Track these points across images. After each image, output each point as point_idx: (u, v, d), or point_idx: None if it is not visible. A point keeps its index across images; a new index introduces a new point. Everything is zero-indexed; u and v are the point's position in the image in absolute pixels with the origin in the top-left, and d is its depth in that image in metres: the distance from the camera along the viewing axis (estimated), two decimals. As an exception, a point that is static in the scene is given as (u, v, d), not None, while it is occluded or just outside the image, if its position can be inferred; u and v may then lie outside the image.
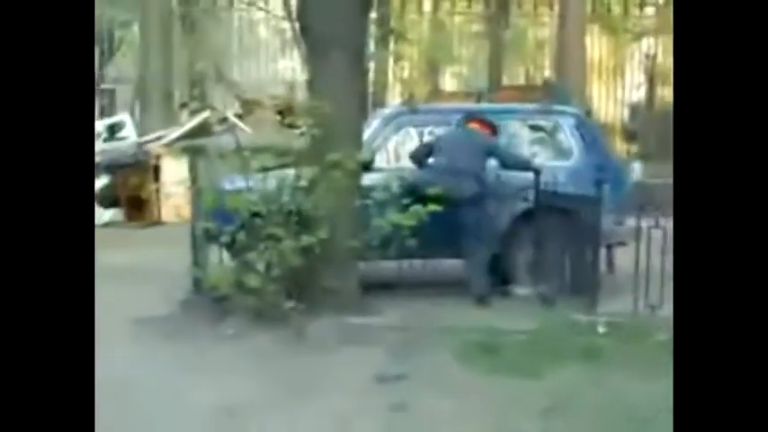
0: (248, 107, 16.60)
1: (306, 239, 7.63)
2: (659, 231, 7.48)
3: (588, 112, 10.62)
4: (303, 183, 7.93)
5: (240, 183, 8.15)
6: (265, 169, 8.22)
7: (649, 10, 21.15)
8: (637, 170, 17.17)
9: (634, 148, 21.46)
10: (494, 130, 9.02)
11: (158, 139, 15.58)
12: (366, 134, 8.90)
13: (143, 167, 14.84)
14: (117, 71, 24.18)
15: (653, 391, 5.81)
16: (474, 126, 8.96)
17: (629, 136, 22.50)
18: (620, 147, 20.65)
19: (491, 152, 8.77)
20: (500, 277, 9.15)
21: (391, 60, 22.03)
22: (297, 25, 8.47)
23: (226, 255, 8.24)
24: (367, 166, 8.48)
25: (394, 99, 20.84)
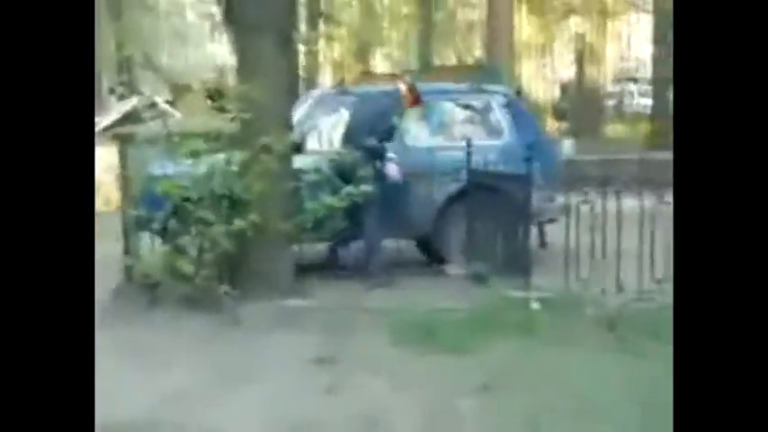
0: (178, 92, 16.44)
1: (237, 223, 7.59)
2: (587, 207, 7.56)
3: (519, 92, 10.72)
4: (234, 167, 7.87)
5: (170, 168, 8.07)
6: (196, 154, 8.14)
7: (577, -11, 21.34)
8: (567, 147, 17.43)
9: (564, 126, 21.70)
10: (416, 99, 9.01)
11: (87, 126, 15.33)
12: (297, 116, 8.87)
13: (71, 155, 14.59)
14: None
15: (586, 365, 5.90)
16: (403, 90, 8.98)
17: (560, 114, 22.74)
18: (550, 125, 20.87)
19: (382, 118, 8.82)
20: (434, 256, 9.23)
21: (322, 42, 21.95)
22: (223, 8, 8.36)
23: (157, 242, 8.17)
24: (298, 149, 8.46)
25: (325, 81, 20.78)
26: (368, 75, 21.00)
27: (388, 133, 8.80)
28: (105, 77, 19.16)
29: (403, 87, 9.03)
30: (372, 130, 8.61)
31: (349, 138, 8.69)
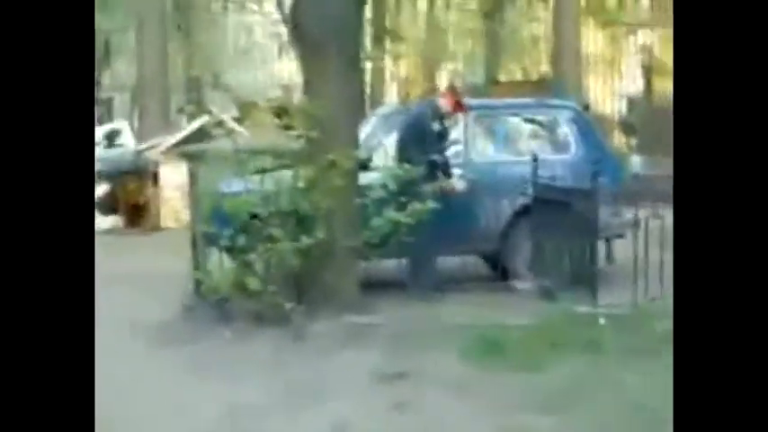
0: (245, 110, 16.63)
1: (304, 240, 7.63)
2: (657, 222, 7.48)
3: (586, 107, 10.67)
4: (301, 184, 7.93)
5: (238, 186, 8.15)
6: (263, 171, 8.22)
7: (645, 2, 21.12)
8: (635, 163, 17.24)
9: (632, 141, 21.47)
10: (458, 105, 8.97)
11: (156, 145, 15.59)
12: (363, 133, 8.91)
13: (142, 174, 14.86)
14: (113, 79, 24.18)
15: (654, 382, 5.82)
16: (443, 99, 8.96)
17: (627, 129, 22.49)
18: (618, 140, 20.66)
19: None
20: (501, 272, 9.19)
21: (388, 59, 22.04)
22: (291, 27, 8.45)
23: (226, 258, 8.25)
24: (365, 166, 8.50)
25: (391, 98, 20.85)
26: (434, 91, 21.03)
27: (440, 144, 8.78)
28: (174, 97, 19.44)
29: (442, 97, 9.02)
30: (422, 143, 8.60)
31: (401, 154, 8.69)
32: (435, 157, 8.64)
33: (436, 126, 8.80)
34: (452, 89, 9.06)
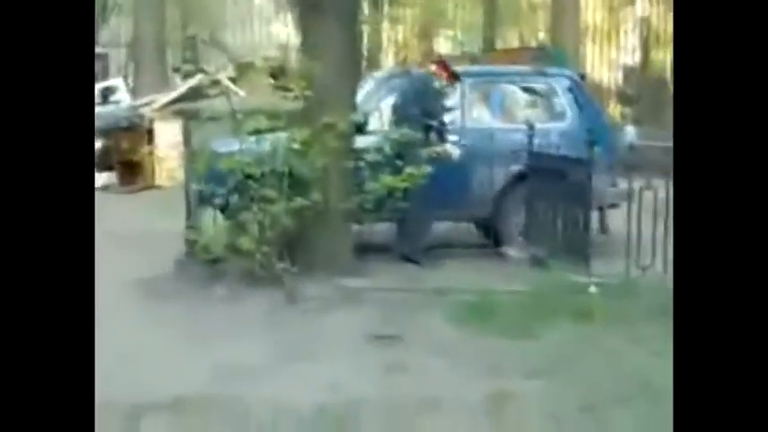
0: (241, 70, 16.53)
1: (299, 201, 7.63)
2: (651, 193, 7.49)
3: (582, 76, 10.64)
4: (296, 145, 7.91)
5: (234, 145, 8.14)
6: (258, 132, 8.20)
7: (644, -28, 21.05)
8: (631, 133, 17.23)
9: (628, 111, 21.46)
10: (453, 76, 8.97)
11: (152, 102, 15.52)
12: (360, 96, 8.89)
13: (137, 131, 14.80)
14: (110, 35, 24.01)
15: (643, 350, 5.87)
16: (433, 68, 8.94)
17: (624, 99, 22.48)
18: (614, 110, 20.65)
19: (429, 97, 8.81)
20: (493, 239, 9.22)
21: (386, 23, 21.93)
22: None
23: (219, 217, 8.26)
24: (361, 128, 8.49)
25: (388, 62, 20.77)
26: (430, 56, 20.95)
27: (436, 109, 8.78)
28: (170, 56, 19.32)
29: (432, 66, 9.01)
30: (419, 107, 8.60)
31: (398, 117, 8.70)
32: (431, 122, 8.64)
33: (433, 92, 8.79)
34: (440, 60, 9.01)
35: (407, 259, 8.47)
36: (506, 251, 8.88)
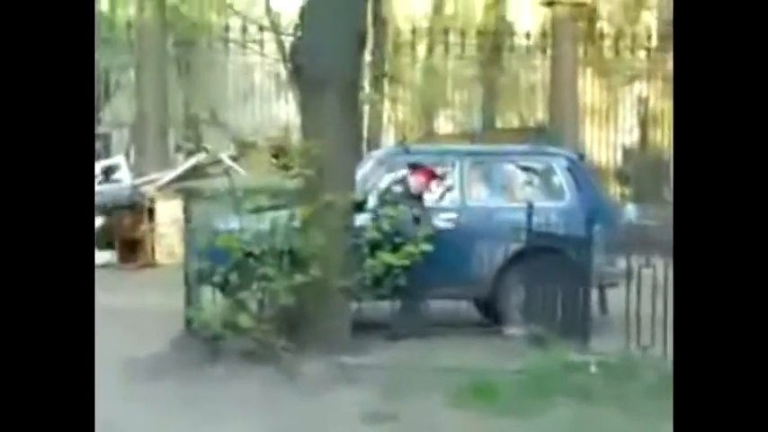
0: (243, 149, 16.70)
1: (298, 278, 7.64)
2: (650, 271, 7.49)
3: (581, 156, 10.71)
4: (296, 223, 7.95)
5: (234, 223, 8.17)
6: (259, 210, 8.25)
7: (641, 53, 21.28)
8: (630, 212, 17.29)
9: (627, 191, 21.53)
10: (433, 176, 9.02)
11: (153, 181, 15.62)
12: (359, 175, 8.95)
13: (137, 209, 14.85)
14: (113, 115, 24.25)
15: (644, 429, 5.82)
16: (414, 178, 8.96)
17: (623, 179, 22.58)
18: (613, 189, 20.72)
19: None
20: (492, 317, 9.20)
21: (386, 103, 22.16)
22: (290, 68, 8.52)
23: (219, 295, 8.25)
24: (360, 207, 8.53)
25: (389, 141, 20.94)
26: (432, 135, 21.15)
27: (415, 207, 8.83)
28: (172, 134, 19.49)
29: (413, 176, 9.01)
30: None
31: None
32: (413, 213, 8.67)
33: (406, 203, 8.76)
34: (419, 167, 9.04)
35: (404, 337, 8.43)
36: (506, 329, 8.84)
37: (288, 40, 8.67)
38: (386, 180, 9.22)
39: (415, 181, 8.95)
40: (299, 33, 8.48)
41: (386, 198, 8.78)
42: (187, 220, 8.87)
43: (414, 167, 9.03)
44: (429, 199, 9.14)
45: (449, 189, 9.25)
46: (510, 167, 9.63)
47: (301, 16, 8.45)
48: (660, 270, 7.49)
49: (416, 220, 8.59)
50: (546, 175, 9.56)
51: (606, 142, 21.95)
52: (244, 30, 18.53)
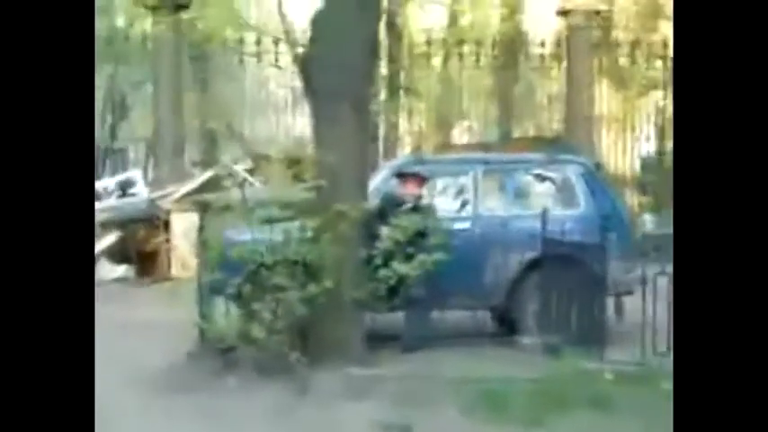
0: (258, 162, 16.71)
1: (311, 289, 7.62)
2: (665, 279, 7.43)
3: (598, 165, 10.64)
4: (309, 233, 7.93)
5: (247, 235, 8.16)
6: (272, 221, 8.23)
7: (658, 63, 21.20)
8: (647, 221, 17.21)
9: (645, 200, 21.44)
10: (422, 182, 8.96)
11: (169, 194, 15.65)
12: (373, 185, 8.93)
13: (153, 223, 14.89)
14: (130, 130, 24.39)
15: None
16: (401, 187, 8.89)
17: (640, 188, 22.49)
18: (631, 199, 20.62)
19: None
20: (508, 326, 9.15)
21: (403, 115, 22.18)
22: (304, 79, 8.51)
23: (232, 307, 8.24)
24: (381, 216, 8.53)
25: (404, 152, 20.94)
26: (448, 145, 21.10)
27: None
28: (189, 148, 19.55)
29: (401, 186, 8.96)
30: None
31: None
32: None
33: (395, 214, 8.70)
34: (406, 175, 8.97)
35: (417, 348, 8.37)
36: (521, 339, 8.78)
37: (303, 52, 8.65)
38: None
39: (403, 189, 8.89)
40: (311, 45, 8.48)
41: (384, 210, 8.70)
42: (200, 232, 8.86)
43: (401, 176, 8.98)
44: (446, 209, 9.10)
45: (465, 202, 9.22)
46: (525, 176, 9.58)
47: (313, 27, 8.44)
48: (676, 277, 7.42)
49: (425, 230, 8.51)
50: (561, 183, 9.51)
51: (623, 151, 21.86)
52: (258, 42, 18.54)
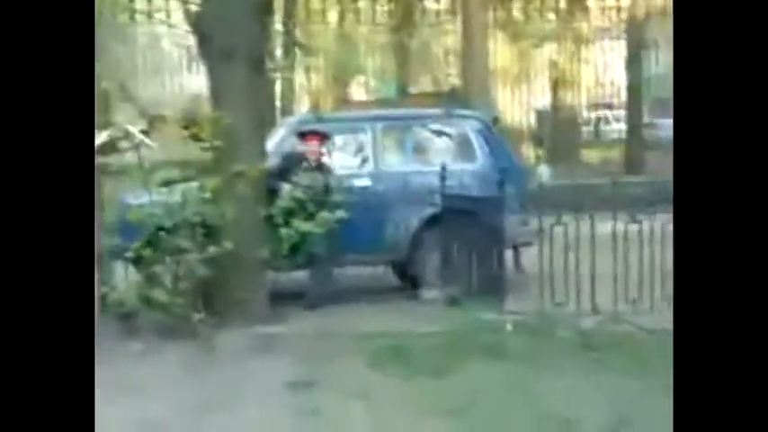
0: (153, 122, 16.47)
1: (212, 250, 7.58)
2: (561, 229, 7.61)
3: (496, 119, 10.78)
4: (207, 194, 7.87)
5: (144, 197, 8.06)
6: (169, 183, 8.14)
7: (551, 16, 21.49)
8: (544, 173, 17.53)
9: (541, 152, 21.83)
10: (324, 138, 9.00)
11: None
12: (271, 144, 8.89)
13: (48, 187, 14.56)
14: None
15: (559, 387, 5.93)
16: (304, 146, 8.90)
17: (536, 140, 22.88)
18: (527, 151, 20.97)
19: None
20: (409, 281, 9.25)
21: (299, 72, 22.07)
22: (198, 38, 8.39)
23: (132, 270, 8.15)
24: (282, 175, 8.51)
25: (302, 110, 20.87)
26: (345, 102, 21.10)
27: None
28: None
29: (300, 146, 8.95)
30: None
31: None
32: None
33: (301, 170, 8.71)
34: (307, 133, 8.95)
35: (321, 305, 8.42)
36: (423, 293, 8.90)
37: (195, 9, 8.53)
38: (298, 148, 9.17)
39: (303, 147, 8.88)
40: (203, 1, 8.37)
41: (285, 168, 8.68)
42: (97, 195, 8.70)
43: (301, 135, 8.96)
44: (346, 166, 9.12)
45: (364, 159, 9.24)
46: (423, 132, 9.64)
47: (205, -16, 8.32)
48: (571, 228, 7.62)
49: (326, 187, 8.54)
50: (458, 137, 9.60)
51: (519, 105, 22.19)
52: (149, -1, 18.16)
